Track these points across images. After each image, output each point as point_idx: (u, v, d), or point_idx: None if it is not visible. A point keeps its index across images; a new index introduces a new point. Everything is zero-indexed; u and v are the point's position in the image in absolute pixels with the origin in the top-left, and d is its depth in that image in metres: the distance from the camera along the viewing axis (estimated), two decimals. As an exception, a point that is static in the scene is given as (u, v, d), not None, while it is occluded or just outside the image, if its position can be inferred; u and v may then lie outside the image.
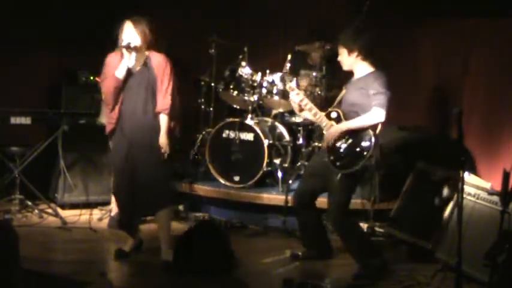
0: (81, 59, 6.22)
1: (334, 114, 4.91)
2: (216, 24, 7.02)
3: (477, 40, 6.13)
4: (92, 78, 6.40)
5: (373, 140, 4.74)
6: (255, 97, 6.41)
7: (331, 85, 6.42)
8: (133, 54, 4.88)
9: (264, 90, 6.36)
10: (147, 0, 6.79)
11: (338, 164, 4.80)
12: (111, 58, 4.98)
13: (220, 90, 6.68)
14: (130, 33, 4.87)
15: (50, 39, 6.73)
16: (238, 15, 7.22)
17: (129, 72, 4.91)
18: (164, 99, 4.89)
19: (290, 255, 5.29)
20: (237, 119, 6.48)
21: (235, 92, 6.50)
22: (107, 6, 6.56)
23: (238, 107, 6.79)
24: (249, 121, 6.40)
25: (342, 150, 4.81)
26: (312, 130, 6.65)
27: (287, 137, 6.57)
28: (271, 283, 4.64)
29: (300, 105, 4.99)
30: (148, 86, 4.91)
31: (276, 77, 6.28)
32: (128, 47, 4.84)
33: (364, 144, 4.75)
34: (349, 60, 4.91)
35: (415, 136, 6.28)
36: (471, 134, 5.96)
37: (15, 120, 6.05)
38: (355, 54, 4.86)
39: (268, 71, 6.32)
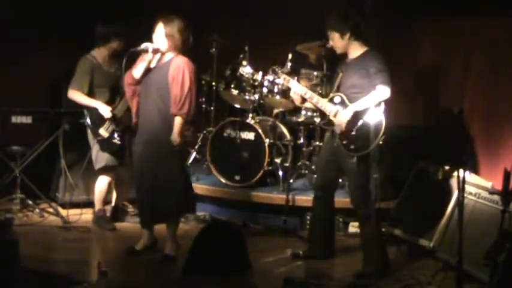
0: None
1: (337, 99, 4.89)
2: (217, 23, 7.03)
3: (477, 40, 6.14)
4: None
5: (382, 118, 4.71)
6: (256, 96, 6.41)
7: (332, 84, 6.42)
8: (156, 56, 4.93)
9: (265, 90, 6.36)
10: (147, 0, 6.79)
11: (352, 147, 4.78)
12: (142, 57, 5.04)
13: (221, 89, 6.68)
14: (159, 36, 4.90)
15: (50, 39, 6.73)
16: (238, 15, 7.22)
17: (148, 72, 4.96)
18: (179, 103, 4.84)
19: (291, 255, 5.30)
20: (237, 118, 6.48)
21: (236, 91, 6.51)
22: (107, 6, 6.57)
23: (239, 106, 6.79)
24: (250, 120, 6.41)
25: (353, 133, 4.77)
26: (313, 129, 6.65)
27: (288, 136, 6.57)
28: (272, 282, 4.63)
29: (302, 96, 4.97)
30: (162, 87, 4.92)
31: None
32: (146, 51, 4.89)
33: (375, 124, 4.71)
34: (343, 43, 4.88)
35: (415, 136, 6.28)
36: (472, 133, 5.97)
37: (16, 119, 6.05)
38: (348, 35, 4.84)
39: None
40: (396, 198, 5.78)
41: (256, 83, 6.35)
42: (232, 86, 6.53)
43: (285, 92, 6.15)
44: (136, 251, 5.15)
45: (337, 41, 4.89)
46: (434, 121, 6.56)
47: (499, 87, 5.92)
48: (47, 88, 6.79)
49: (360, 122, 4.76)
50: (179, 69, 4.88)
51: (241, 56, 6.45)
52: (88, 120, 5.78)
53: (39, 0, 6.64)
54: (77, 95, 5.75)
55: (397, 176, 5.93)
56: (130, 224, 5.96)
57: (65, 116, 6.14)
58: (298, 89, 5.01)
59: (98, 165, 5.82)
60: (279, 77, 5.24)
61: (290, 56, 6.29)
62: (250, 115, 6.47)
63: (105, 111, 5.70)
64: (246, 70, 6.33)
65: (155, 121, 4.93)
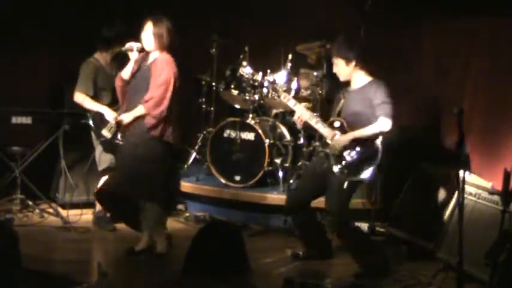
0: (81, 59, 6.22)
1: (337, 124, 4.89)
2: (217, 23, 7.03)
3: (477, 40, 6.13)
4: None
5: (379, 148, 4.75)
6: (256, 97, 6.42)
7: (332, 85, 6.42)
8: (140, 55, 4.96)
9: (265, 90, 6.36)
10: (147, 0, 6.79)
11: (346, 171, 4.79)
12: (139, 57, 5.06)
13: (221, 89, 6.68)
14: (147, 36, 4.90)
15: (50, 39, 6.73)
16: (238, 15, 7.22)
17: (136, 72, 4.99)
18: (151, 94, 4.85)
19: (291, 255, 5.30)
20: (238, 119, 6.48)
21: (236, 92, 6.51)
22: (107, 6, 6.57)
23: (239, 107, 6.79)
24: (250, 121, 6.40)
25: (348, 158, 4.79)
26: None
27: (288, 137, 6.56)
28: (272, 283, 4.64)
29: (302, 119, 4.94)
30: (144, 87, 4.94)
31: (277, 76, 6.28)
32: (131, 50, 4.89)
33: (371, 152, 4.75)
34: (347, 71, 4.87)
35: (415, 136, 6.28)
36: (472, 133, 5.96)
37: (16, 119, 6.05)
38: (353, 64, 4.84)
39: (269, 71, 6.32)
40: (397, 198, 5.78)
41: (256, 84, 6.35)
42: (232, 86, 6.53)
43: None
44: (136, 251, 5.15)
45: (341, 68, 4.88)
46: (434, 121, 6.55)
47: (499, 87, 5.91)
48: (47, 88, 6.79)
49: (357, 149, 4.77)
50: (157, 67, 4.91)
51: (241, 56, 6.45)
52: (91, 121, 5.78)
53: (39, 0, 6.64)
54: (82, 99, 5.75)
55: (397, 176, 5.92)
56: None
57: (65, 116, 6.13)
58: (299, 111, 4.97)
59: (101, 167, 5.83)
60: (279, 96, 5.25)
61: (290, 56, 6.28)
62: (250, 115, 6.47)
63: (111, 116, 5.68)
64: (246, 70, 6.32)
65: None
